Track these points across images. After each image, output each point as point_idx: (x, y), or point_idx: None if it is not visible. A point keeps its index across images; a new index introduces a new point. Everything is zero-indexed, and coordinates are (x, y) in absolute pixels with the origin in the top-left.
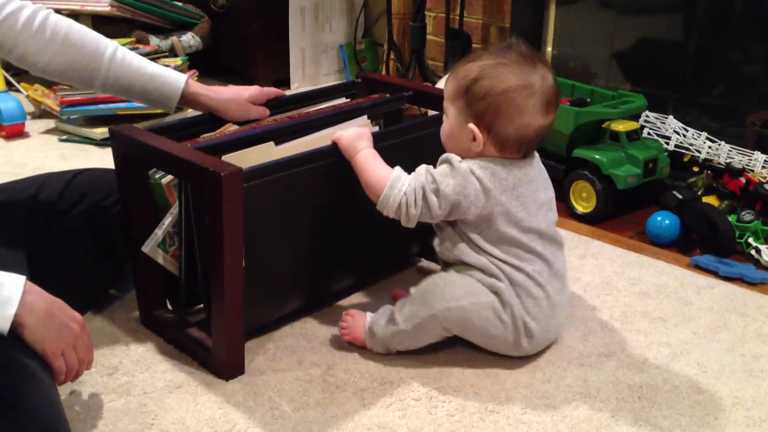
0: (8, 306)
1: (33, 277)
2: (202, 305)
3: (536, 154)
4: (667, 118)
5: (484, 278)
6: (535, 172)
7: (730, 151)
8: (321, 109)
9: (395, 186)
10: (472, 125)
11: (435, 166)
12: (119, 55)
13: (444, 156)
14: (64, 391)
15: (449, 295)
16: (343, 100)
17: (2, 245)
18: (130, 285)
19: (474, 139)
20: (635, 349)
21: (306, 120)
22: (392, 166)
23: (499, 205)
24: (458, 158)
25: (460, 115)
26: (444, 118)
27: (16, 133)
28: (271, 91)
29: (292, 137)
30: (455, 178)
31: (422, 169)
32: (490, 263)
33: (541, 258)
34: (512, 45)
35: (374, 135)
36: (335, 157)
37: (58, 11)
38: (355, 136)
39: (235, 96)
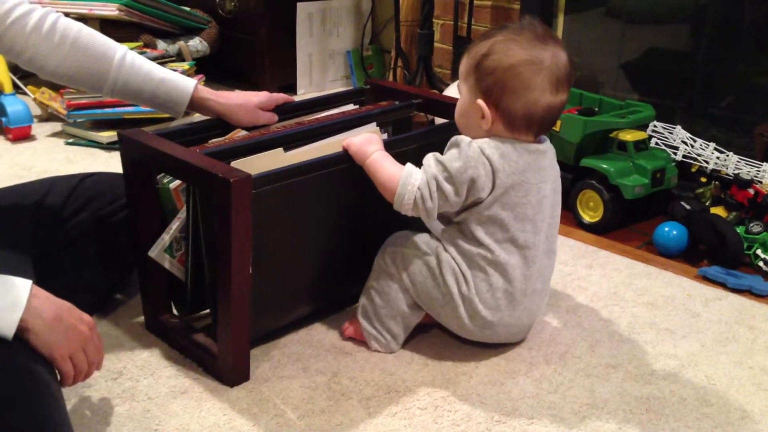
0: (14, 310)
1: (38, 282)
2: (207, 311)
3: (552, 148)
4: (675, 128)
5: (431, 242)
6: (546, 163)
7: (738, 162)
8: (330, 115)
9: (408, 183)
10: (480, 101)
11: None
12: (128, 59)
13: (453, 139)
14: (68, 395)
15: (398, 243)
16: (351, 107)
17: (9, 249)
18: (136, 289)
19: (483, 116)
20: (643, 361)
21: (315, 126)
22: None
23: (501, 187)
24: (468, 139)
25: (471, 92)
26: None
27: (22, 135)
28: (280, 96)
29: (301, 143)
30: (465, 160)
31: (431, 159)
32: (447, 239)
33: (522, 253)
34: (526, 24)
35: (383, 142)
36: (345, 164)
37: (66, 15)
38: (365, 141)
39: (244, 101)
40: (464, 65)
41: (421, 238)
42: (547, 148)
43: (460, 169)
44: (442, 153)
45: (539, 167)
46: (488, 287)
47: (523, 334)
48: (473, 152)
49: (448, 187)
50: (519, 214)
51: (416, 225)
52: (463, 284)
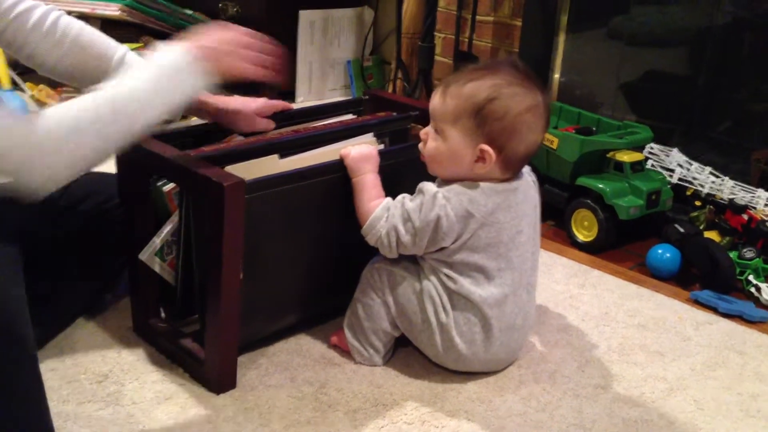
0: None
1: (29, 278)
2: (196, 316)
3: (528, 180)
4: (671, 150)
5: (418, 265)
6: (519, 199)
7: (733, 187)
8: (327, 124)
9: (374, 226)
10: (484, 146)
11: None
12: (128, 59)
13: (419, 186)
14: (51, 396)
15: (387, 260)
16: (349, 117)
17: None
18: (125, 292)
19: (484, 160)
20: (632, 382)
21: (311, 134)
22: (396, 184)
23: (469, 232)
24: (433, 189)
25: (468, 135)
26: (431, 138)
27: None
28: (278, 103)
29: (297, 151)
30: (430, 212)
31: (398, 206)
32: (428, 268)
33: (499, 290)
34: (511, 63)
35: (379, 153)
36: (339, 173)
37: (68, 13)
38: (362, 157)
39: (242, 107)
40: (453, 107)
41: (407, 258)
42: (519, 184)
43: (422, 221)
44: None
45: (509, 205)
46: (466, 320)
47: (500, 366)
48: (438, 203)
49: (408, 240)
50: (492, 253)
51: None
52: (441, 313)
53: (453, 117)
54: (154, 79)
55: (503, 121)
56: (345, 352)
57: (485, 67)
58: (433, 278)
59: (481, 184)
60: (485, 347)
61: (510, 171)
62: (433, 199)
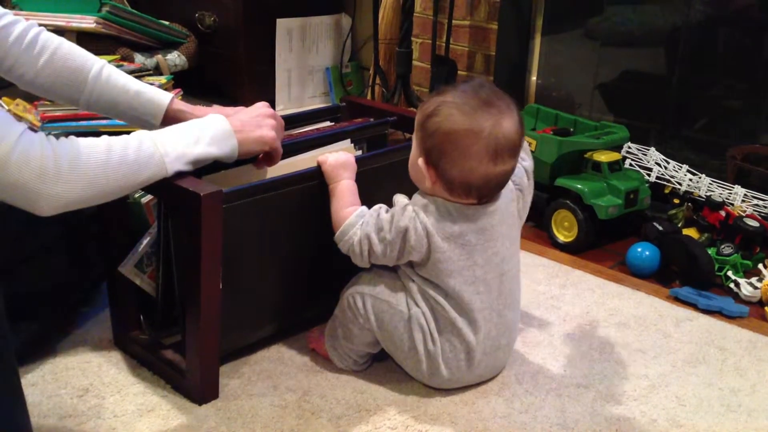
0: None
1: (5, 292)
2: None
3: (511, 196)
4: (648, 149)
5: (403, 291)
6: (494, 221)
7: (710, 184)
8: (304, 131)
9: (346, 233)
10: (420, 160)
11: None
12: (105, 72)
13: (394, 198)
14: (32, 412)
15: (369, 285)
16: (327, 124)
17: None
18: (105, 304)
19: (425, 174)
20: (613, 381)
21: (288, 142)
22: (374, 190)
23: (439, 252)
24: (405, 201)
25: (417, 148)
26: None
27: None
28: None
29: None
30: (400, 223)
31: (373, 215)
32: (417, 291)
33: (482, 315)
34: (476, 86)
35: (357, 159)
36: (316, 180)
37: (43, 26)
38: (339, 164)
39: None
40: (416, 119)
41: (392, 285)
42: (495, 207)
43: (392, 232)
44: None
45: (482, 227)
46: (451, 348)
47: (483, 380)
48: (408, 215)
49: (379, 249)
50: (468, 277)
51: None
52: (429, 342)
53: (415, 128)
54: (192, 136)
55: (433, 138)
56: (326, 358)
57: (456, 84)
58: (422, 304)
59: (450, 204)
60: (469, 371)
61: (458, 195)
62: (403, 211)
